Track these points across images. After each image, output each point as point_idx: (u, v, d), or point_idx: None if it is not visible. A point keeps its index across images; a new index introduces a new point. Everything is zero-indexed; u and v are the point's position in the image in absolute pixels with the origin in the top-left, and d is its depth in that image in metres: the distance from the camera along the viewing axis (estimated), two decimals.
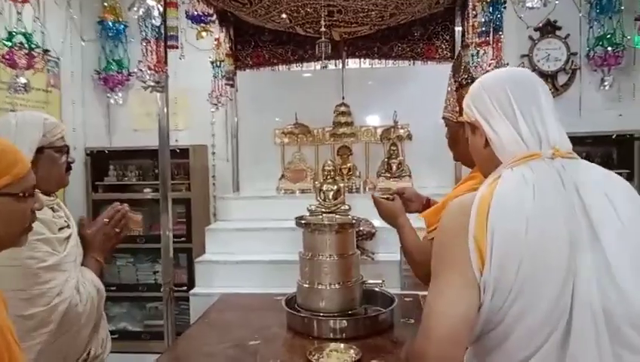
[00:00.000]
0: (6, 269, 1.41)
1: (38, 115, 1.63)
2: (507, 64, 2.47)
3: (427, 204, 2.04)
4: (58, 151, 1.65)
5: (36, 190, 1.23)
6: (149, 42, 2.45)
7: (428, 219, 1.64)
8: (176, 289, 3.83)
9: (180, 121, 4.49)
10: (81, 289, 1.55)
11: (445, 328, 0.99)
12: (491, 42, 2.44)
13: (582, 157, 3.61)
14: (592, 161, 3.67)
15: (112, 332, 4.19)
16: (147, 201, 4.18)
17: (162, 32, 2.49)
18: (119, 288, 4.14)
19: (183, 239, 4.14)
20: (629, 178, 3.85)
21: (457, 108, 1.67)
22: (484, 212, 1.02)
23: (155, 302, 4.33)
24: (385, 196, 1.97)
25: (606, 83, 4.00)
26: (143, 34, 2.45)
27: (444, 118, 1.79)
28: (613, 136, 3.87)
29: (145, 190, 4.25)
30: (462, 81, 1.72)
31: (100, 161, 4.22)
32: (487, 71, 2.45)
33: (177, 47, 2.57)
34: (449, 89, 1.75)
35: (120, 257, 4.29)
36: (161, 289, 2.64)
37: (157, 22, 2.31)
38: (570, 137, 3.79)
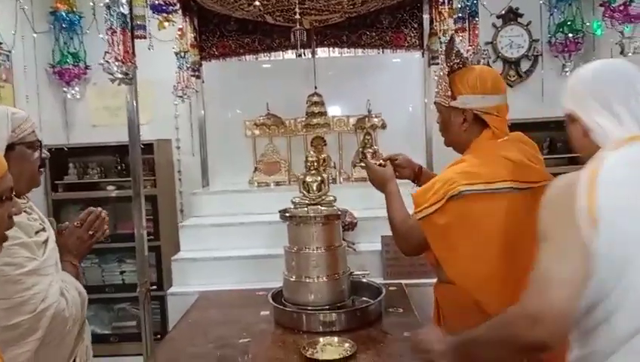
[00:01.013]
0: None
1: (3, 109, 1.50)
2: (485, 51, 2.48)
3: (419, 171, 2.02)
4: (30, 146, 1.53)
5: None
6: (115, 32, 2.33)
7: (416, 199, 1.60)
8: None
9: (143, 115, 4.28)
10: (65, 293, 1.45)
11: (565, 294, 0.99)
12: (468, 29, 2.43)
13: (545, 142, 3.67)
14: (555, 146, 3.67)
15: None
16: (111, 199, 4.02)
17: (128, 21, 2.37)
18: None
19: (150, 237, 4.00)
20: None
21: (449, 93, 1.65)
22: (593, 184, 1.04)
23: (124, 303, 4.19)
24: (378, 163, 1.94)
25: (567, 69, 4.11)
26: (109, 23, 2.32)
27: (435, 103, 1.77)
28: None
29: (108, 188, 4.08)
30: (453, 66, 1.69)
31: (58, 158, 4.01)
32: (466, 58, 2.45)
33: (145, 37, 2.46)
34: (440, 73, 1.72)
35: (85, 258, 4.11)
36: (137, 290, 2.53)
37: (125, 10, 2.19)
38: (533, 122, 3.84)
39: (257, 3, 2.63)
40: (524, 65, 4.25)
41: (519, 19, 4.20)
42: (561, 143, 4.12)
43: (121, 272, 4.18)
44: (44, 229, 1.55)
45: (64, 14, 4.07)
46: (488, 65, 4.17)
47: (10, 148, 1.46)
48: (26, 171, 1.53)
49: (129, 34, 2.37)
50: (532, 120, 3.94)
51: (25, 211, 1.51)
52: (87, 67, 4.19)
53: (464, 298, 1.59)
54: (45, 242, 1.50)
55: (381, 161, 1.95)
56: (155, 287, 3.77)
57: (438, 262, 1.71)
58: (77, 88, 4.23)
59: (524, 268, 1.48)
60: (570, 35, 3.99)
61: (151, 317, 2.56)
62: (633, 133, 1.13)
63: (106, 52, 2.32)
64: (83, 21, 4.16)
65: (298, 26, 2.48)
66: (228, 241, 2.92)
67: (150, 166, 4.11)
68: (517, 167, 1.55)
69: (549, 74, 4.23)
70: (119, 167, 4.18)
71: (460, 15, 2.43)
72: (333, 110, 3.77)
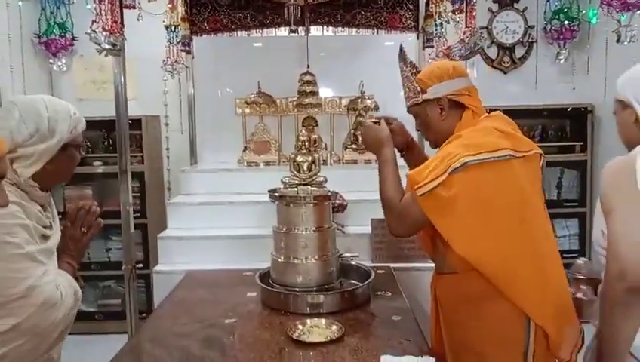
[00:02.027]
0: None
1: (66, 107, 1.48)
2: (481, 33, 2.44)
3: (412, 143, 1.94)
4: (77, 148, 1.52)
5: (5, 180, 1.08)
6: (103, 1, 2.25)
7: (413, 178, 1.55)
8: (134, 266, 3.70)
9: (130, 90, 4.16)
10: (60, 289, 1.39)
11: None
12: (465, 10, 2.39)
13: (537, 130, 3.70)
14: (546, 134, 3.74)
15: None
16: (97, 175, 3.96)
17: None
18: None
19: (137, 214, 3.95)
20: (582, 150, 3.98)
21: (419, 90, 1.69)
22: None
23: (109, 280, 4.14)
24: (372, 121, 1.84)
25: (561, 57, 4.09)
26: None
27: (409, 108, 1.76)
28: (568, 109, 3.97)
29: (95, 163, 4.00)
30: (411, 71, 1.75)
31: None
32: (462, 40, 2.42)
33: (134, 7, 2.38)
34: (404, 76, 1.76)
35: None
36: (122, 268, 2.49)
37: None
38: (526, 110, 3.87)
39: None
40: (519, 52, 4.23)
41: (515, 5, 4.17)
42: (553, 131, 4.12)
43: (107, 250, 4.14)
44: (50, 227, 1.50)
45: None
46: (483, 51, 4.15)
47: (62, 147, 1.45)
48: (67, 171, 1.54)
49: (117, 3, 2.29)
50: (525, 107, 3.93)
51: (42, 206, 1.48)
52: (74, 38, 4.09)
53: (466, 288, 1.57)
54: (46, 237, 1.45)
55: (376, 119, 1.84)
56: (141, 265, 3.74)
57: (436, 251, 1.70)
58: (63, 60, 4.13)
59: (534, 236, 1.53)
60: (566, 22, 3.96)
61: (136, 296, 2.52)
62: None
63: (93, 21, 2.24)
64: None
65: (292, 1, 2.41)
66: (216, 220, 2.88)
67: (137, 142, 4.04)
68: (509, 136, 1.57)
69: (544, 61, 4.21)
70: (106, 143, 4.11)
71: None
72: (326, 91, 3.71)
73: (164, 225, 3.09)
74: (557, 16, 4.01)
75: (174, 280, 2.46)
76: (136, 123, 3.92)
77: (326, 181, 2.15)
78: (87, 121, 3.77)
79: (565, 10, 3.98)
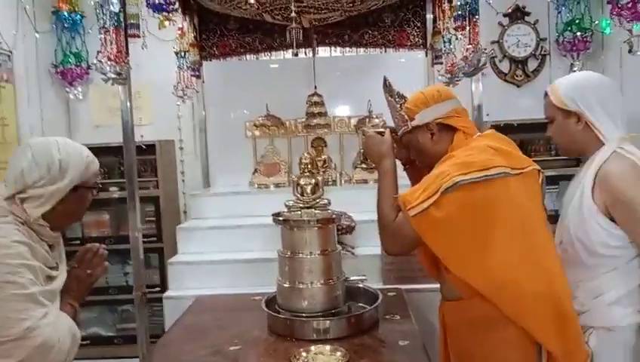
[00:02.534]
0: None
1: (79, 150, 1.53)
2: (485, 50, 2.41)
3: (414, 161, 1.86)
4: (89, 189, 1.56)
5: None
6: (108, 31, 2.30)
7: (405, 198, 1.52)
8: (148, 291, 3.71)
9: (144, 116, 4.30)
10: (59, 333, 1.39)
11: None
12: (468, 27, 2.36)
13: (553, 143, 3.63)
14: None
15: (83, 339, 4.03)
16: (114, 201, 4.00)
17: (122, 20, 2.33)
18: (92, 289, 3.93)
19: (153, 239, 3.99)
20: None
21: (406, 118, 1.69)
22: None
23: (127, 304, 4.15)
24: (377, 131, 1.81)
25: (575, 68, 4.01)
26: (101, 22, 2.29)
27: (402, 138, 1.75)
28: None
29: (111, 189, 4.06)
30: (400, 102, 1.74)
31: None
32: (466, 57, 2.39)
33: (139, 36, 2.42)
34: (391, 107, 1.76)
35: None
36: (133, 294, 2.51)
37: (115, 8, 2.15)
38: (541, 123, 3.85)
39: (252, 1, 2.58)
40: (532, 65, 4.17)
41: (526, 18, 4.11)
42: None
43: (125, 274, 4.16)
44: (56, 268, 1.52)
45: (66, 14, 4.05)
46: (494, 64, 4.11)
47: (73, 189, 1.48)
48: (77, 211, 1.57)
49: (122, 33, 2.34)
50: (539, 120, 3.82)
51: (50, 245, 1.51)
52: (89, 67, 4.17)
53: (473, 314, 1.52)
54: (52, 278, 1.48)
55: (381, 130, 1.81)
56: (158, 289, 3.75)
57: (440, 276, 1.65)
58: (79, 88, 4.22)
59: (537, 255, 1.49)
60: (579, 33, 3.89)
61: (146, 321, 2.53)
62: (622, 134, 1.64)
63: (98, 52, 2.29)
64: (85, 21, 4.14)
65: (294, 25, 2.43)
66: (225, 244, 2.88)
67: (152, 167, 4.09)
68: (504, 153, 1.54)
69: (557, 73, 4.12)
70: (122, 168, 4.15)
71: (460, 13, 2.36)
72: (335, 111, 3.72)
73: None
74: (569, 28, 3.94)
75: (184, 306, 2.46)
76: (150, 148, 3.98)
77: (330, 203, 2.13)
78: (103, 147, 3.89)
79: (577, 21, 3.92)
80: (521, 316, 1.44)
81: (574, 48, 3.94)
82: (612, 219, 1.56)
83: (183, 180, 4.39)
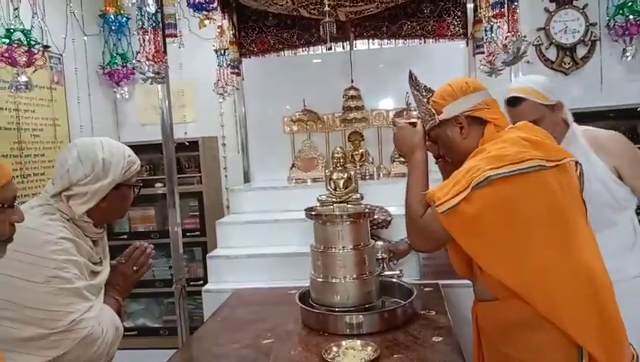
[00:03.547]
0: (25, 284, 1.34)
1: (122, 150, 1.60)
2: (525, 37, 2.32)
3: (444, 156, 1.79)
4: (131, 187, 1.62)
5: (16, 203, 1.16)
6: (147, 32, 2.36)
7: (433, 195, 1.46)
8: (192, 283, 3.82)
9: (188, 113, 4.42)
10: (102, 325, 1.46)
11: None
12: (506, 14, 2.28)
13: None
14: None
15: (131, 329, 4.17)
16: (159, 196, 4.12)
17: (159, 20, 2.39)
18: (136, 284, 4.07)
19: (197, 233, 4.09)
20: None
21: (433, 111, 1.64)
22: None
23: (172, 297, 4.26)
24: (409, 122, 1.77)
25: (628, 53, 3.81)
26: (139, 23, 2.35)
27: (429, 133, 1.69)
28: (638, 109, 3.68)
29: (156, 185, 4.18)
30: (428, 97, 1.70)
31: None
32: (505, 45, 2.31)
33: (176, 36, 2.48)
34: (417, 101, 1.71)
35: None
36: (173, 287, 2.58)
37: (152, 9, 2.21)
38: (591, 112, 3.86)
39: None
40: (581, 52, 3.99)
41: (574, 2, 3.94)
42: (623, 133, 3.83)
43: (170, 267, 4.27)
44: (100, 263, 1.59)
45: (113, 17, 4.20)
46: (540, 51, 3.96)
47: (115, 187, 1.55)
48: (119, 208, 1.63)
49: (160, 33, 2.39)
50: (589, 109, 3.69)
51: (94, 241, 1.58)
52: (134, 67, 4.30)
53: (509, 316, 1.44)
54: (95, 274, 1.54)
55: (413, 119, 1.78)
56: (201, 282, 3.85)
57: (473, 275, 1.58)
58: (126, 88, 4.36)
59: (576, 251, 1.39)
60: (631, 17, 3.69)
61: (186, 313, 2.59)
62: None
63: (136, 52, 2.36)
64: (130, 23, 4.27)
65: (327, 19, 2.41)
66: (263, 238, 2.91)
67: (196, 163, 4.20)
68: (539, 145, 1.46)
69: (608, 60, 3.94)
70: None
71: (498, 0, 2.28)
72: (373, 104, 3.67)
73: None
74: (621, 11, 3.74)
75: (223, 299, 2.51)
76: (194, 144, 4.08)
77: (362, 198, 2.11)
78: (148, 145, 3.99)
79: (629, 3, 3.71)
80: (559, 317, 1.36)
81: (627, 32, 3.74)
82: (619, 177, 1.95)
83: (226, 176, 4.48)
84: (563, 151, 1.51)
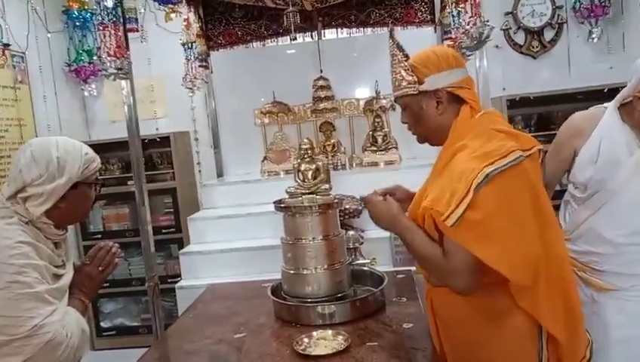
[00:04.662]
0: None
1: (78, 148, 1.54)
2: (487, 21, 2.33)
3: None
4: (90, 186, 1.57)
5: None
6: (107, 27, 2.31)
7: (433, 208, 1.37)
8: (169, 280, 3.78)
9: (159, 109, 4.36)
10: (66, 329, 1.42)
11: None
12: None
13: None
14: None
15: (109, 329, 4.11)
16: (133, 194, 4.02)
17: (120, 15, 2.35)
18: (113, 284, 4.04)
19: (172, 230, 4.06)
20: None
21: (415, 79, 1.50)
22: None
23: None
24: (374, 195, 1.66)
25: (594, 35, 3.88)
26: (99, 18, 2.30)
27: (398, 98, 1.58)
28: (605, 90, 3.73)
29: (129, 182, 4.12)
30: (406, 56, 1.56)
31: None
32: (467, 31, 2.32)
33: (137, 30, 2.43)
34: (396, 61, 1.55)
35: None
36: (146, 285, 2.55)
37: (109, 4, 2.16)
38: (560, 95, 3.81)
39: None
40: (548, 35, 4.03)
41: None
42: None
43: None
44: (63, 266, 1.55)
45: (76, 12, 4.10)
46: (509, 35, 3.98)
47: (73, 186, 1.49)
48: (80, 208, 1.58)
49: (120, 28, 2.35)
50: (558, 92, 3.74)
51: (55, 243, 1.53)
52: (96, 63, 4.23)
53: (476, 304, 1.42)
54: (59, 276, 1.50)
55: (379, 195, 1.66)
56: (179, 279, 3.82)
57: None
58: (93, 85, 4.28)
59: (552, 237, 1.41)
60: None
61: (160, 312, 2.57)
62: None
63: (97, 47, 2.31)
64: (95, 18, 4.17)
65: (291, 8, 2.39)
66: (236, 233, 2.90)
67: (169, 159, 4.15)
68: (513, 136, 1.44)
69: (576, 42, 3.99)
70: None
71: None
72: (343, 93, 3.67)
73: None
74: None
75: (197, 295, 2.48)
76: (165, 140, 4.03)
77: (331, 188, 2.11)
78: (120, 142, 3.92)
79: None
80: (537, 305, 1.36)
81: (592, 14, 3.79)
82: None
83: (200, 171, 4.43)
84: (530, 139, 1.49)
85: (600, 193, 1.87)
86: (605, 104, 1.94)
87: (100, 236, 4.09)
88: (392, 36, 1.61)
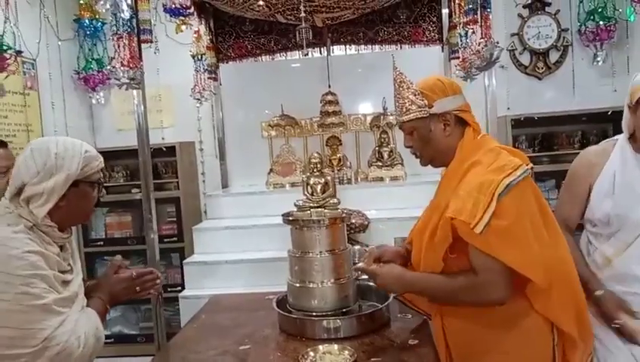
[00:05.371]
0: None
1: (78, 145, 1.51)
2: (497, 43, 2.36)
3: (408, 253, 1.79)
4: (92, 185, 1.54)
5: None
6: (121, 37, 2.34)
7: (457, 218, 1.43)
8: (170, 289, 3.78)
9: (165, 118, 4.38)
10: (80, 340, 1.40)
11: None
12: (479, 20, 2.32)
13: (577, 136, 3.66)
14: (587, 139, 3.74)
15: (107, 337, 4.12)
16: (136, 202, 4.08)
17: (134, 26, 2.38)
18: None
19: (174, 239, 4.06)
20: None
21: (426, 102, 1.58)
22: None
23: (149, 304, 4.24)
24: (370, 267, 1.69)
25: (599, 58, 3.91)
26: (114, 29, 2.33)
27: (406, 122, 1.63)
28: (609, 113, 3.77)
29: (133, 190, 4.14)
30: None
31: None
32: (478, 51, 2.35)
33: (151, 41, 2.46)
34: (403, 87, 1.64)
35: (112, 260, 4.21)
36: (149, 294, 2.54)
37: (126, 15, 2.19)
38: (563, 116, 3.80)
39: (261, 3, 2.59)
40: (553, 57, 4.07)
41: (547, 9, 4.03)
42: (594, 137, 3.92)
43: None
44: (71, 271, 1.53)
45: (88, 22, 4.14)
46: (514, 56, 4.03)
47: (74, 184, 1.47)
48: (82, 208, 1.55)
49: (135, 38, 2.38)
50: (562, 113, 3.78)
51: (61, 247, 1.52)
52: (109, 73, 4.26)
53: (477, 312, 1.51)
54: (68, 282, 1.48)
55: (373, 266, 1.70)
56: (179, 288, 3.82)
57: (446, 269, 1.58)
58: (101, 93, 4.32)
59: (560, 241, 1.54)
60: (602, 22, 3.78)
61: (163, 320, 2.57)
62: None
63: (111, 58, 2.34)
64: (106, 28, 4.22)
65: (304, 24, 2.43)
66: (241, 244, 2.90)
67: (173, 168, 4.17)
68: (512, 152, 1.56)
69: (580, 64, 4.03)
70: None
71: (471, 6, 2.32)
72: (350, 108, 3.70)
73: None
74: (591, 17, 3.84)
75: (200, 305, 2.48)
76: (171, 150, 4.05)
77: (339, 203, 2.12)
78: (125, 150, 3.94)
79: (600, 9, 3.81)
80: (550, 305, 1.47)
81: (597, 38, 3.83)
82: None
83: (204, 181, 4.45)
84: (525, 156, 1.58)
85: (623, 230, 1.78)
86: (616, 137, 1.89)
87: (101, 243, 4.09)
88: (394, 65, 1.73)
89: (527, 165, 1.49)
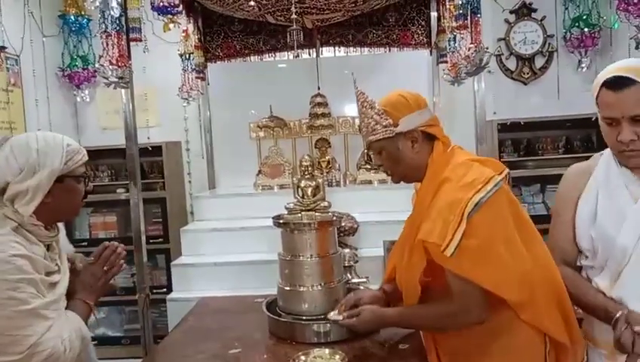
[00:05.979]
0: None
1: (59, 139, 1.48)
2: (487, 48, 2.38)
3: (385, 293, 1.81)
4: (77, 179, 1.52)
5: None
6: (110, 35, 2.31)
7: (427, 241, 1.42)
8: (155, 291, 3.74)
9: (151, 118, 4.33)
10: (65, 344, 1.38)
11: None
12: (469, 26, 2.34)
13: (562, 141, 3.67)
14: (571, 144, 3.76)
15: (91, 339, 4.06)
16: (121, 202, 4.03)
17: (124, 24, 2.35)
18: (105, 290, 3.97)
19: (160, 240, 4.02)
20: None
21: (390, 121, 1.53)
22: None
23: (134, 305, 4.17)
24: (347, 315, 1.71)
25: (583, 65, 3.97)
26: (103, 26, 2.30)
27: (373, 143, 1.59)
28: (593, 119, 3.81)
29: (118, 190, 4.09)
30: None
31: None
32: (468, 56, 2.37)
33: (140, 40, 2.43)
34: (366, 106, 1.59)
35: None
36: (136, 296, 2.52)
37: (116, 13, 2.16)
38: (548, 121, 3.80)
39: (252, 3, 2.58)
40: (539, 62, 4.12)
41: (533, 15, 4.07)
42: (579, 142, 3.98)
43: (132, 275, 4.17)
44: (58, 271, 1.50)
45: (73, 18, 4.09)
46: (500, 61, 4.08)
47: (58, 180, 1.44)
48: (68, 204, 1.52)
49: (124, 37, 2.35)
50: (547, 118, 3.83)
51: (48, 246, 1.49)
52: (96, 70, 4.20)
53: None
54: (55, 284, 1.45)
55: (350, 314, 1.71)
56: (164, 290, 3.78)
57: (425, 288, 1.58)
58: (86, 91, 4.26)
59: (540, 247, 1.52)
60: (586, 29, 3.84)
61: (150, 323, 2.54)
62: None
63: (100, 56, 2.31)
64: (92, 24, 4.16)
65: (295, 26, 2.42)
66: (228, 246, 2.88)
67: (159, 168, 4.12)
68: (486, 162, 1.53)
69: (565, 70, 4.09)
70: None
71: (462, 12, 2.34)
72: (339, 111, 3.70)
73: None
74: (577, 24, 3.89)
75: (188, 307, 2.46)
76: (157, 149, 4.01)
77: (330, 206, 2.12)
78: (110, 149, 3.89)
79: (585, 17, 3.86)
80: (537, 315, 1.45)
81: (582, 44, 3.89)
82: None
83: (190, 181, 4.41)
84: (499, 163, 1.56)
85: (612, 258, 1.49)
86: (602, 152, 1.64)
87: (85, 244, 4.03)
88: (355, 85, 1.68)
89: (500, 173, 1.46)
